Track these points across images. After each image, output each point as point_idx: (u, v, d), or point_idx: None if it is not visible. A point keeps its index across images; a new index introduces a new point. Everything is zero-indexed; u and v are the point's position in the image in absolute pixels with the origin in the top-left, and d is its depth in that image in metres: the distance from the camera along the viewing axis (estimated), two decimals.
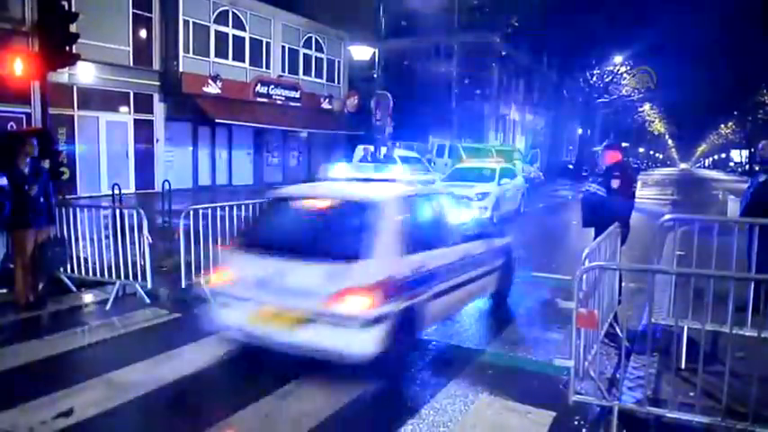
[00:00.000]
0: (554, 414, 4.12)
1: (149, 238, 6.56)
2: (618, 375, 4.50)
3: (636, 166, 40.66)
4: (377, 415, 4.18)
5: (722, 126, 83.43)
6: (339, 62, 29.14)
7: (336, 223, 5.19)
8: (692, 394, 4.04)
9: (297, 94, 25.93)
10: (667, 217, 5.55)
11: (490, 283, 6.55)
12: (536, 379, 4.84)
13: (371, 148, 15.19)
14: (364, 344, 4.32)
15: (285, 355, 4.60)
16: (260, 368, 4.96)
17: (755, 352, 3.69)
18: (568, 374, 3.93)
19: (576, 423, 4.01)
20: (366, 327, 4.30)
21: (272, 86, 24.67)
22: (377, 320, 4.33)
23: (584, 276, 3.90)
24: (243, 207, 7.62)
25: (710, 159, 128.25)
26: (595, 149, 7.97)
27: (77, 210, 7.07)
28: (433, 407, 4.25)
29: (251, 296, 4.66)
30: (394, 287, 4.52)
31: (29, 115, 15.33)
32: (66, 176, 14.73)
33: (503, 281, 6.90)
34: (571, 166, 44.81)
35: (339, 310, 4.30)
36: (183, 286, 6.69)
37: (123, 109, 19.45)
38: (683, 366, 4.60)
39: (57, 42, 7.94)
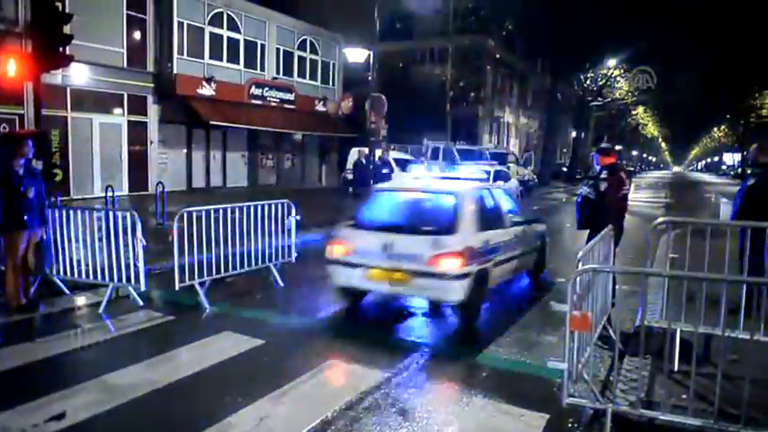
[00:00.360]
0: (547, 416, 4.13)
1: (143, 240, 6.54)
2: (611, 378, 4.51)
3: (632, 169, 40.85)
4: (367, 422, 4.17)
5: (715, 129, 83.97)
6: (334, 64, 29.14)
7: (431, 208, 6.94)
8: (684, 397, 4.06)
9: (291, 97, 25.91)
10: (660, 220, 5.58)
11: (531, 259, 8.14)
12: (529, 381, 4.85)
13: (366, 150, 15.18)
14: (455, 292, 6.01)
15: (284, 355, 4.59)
16: (255, 370, 4.95)
17: (748, 354, 3.71)
18: (562, 377, 3.94)
19: (569, 425, 4.02)
20: (456, 280, 5.95)
21: (267, 88, 24.64)
22: (463, 276, 5.99)
23: (578, 279, 3.91)
24: (237, 210, 7.59)
25: (703, 162, 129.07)
26: (592, 153, 8.21)
27: (70, 211, 7.03)
28: (426, 409, 4.25)
29: (367, 261, 6.31)
30: (472, 254, 6.17)
31: (22, 116, 15.30)
32: (59, 178, 14.70)
33: (539, 258, 8.51)
34: (565, 169, 44.98)
35: (437, 269, 5.93)
36: (177, 288, 6.67)
37: (117, 111, 19.39)
38: (675, 369, 4.62)
39: (50, 44, 7.91)
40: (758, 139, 9.08)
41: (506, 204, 7.88)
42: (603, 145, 7.42)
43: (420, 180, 7.94)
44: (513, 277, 7.84)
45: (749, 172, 7.88)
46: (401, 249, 6.16)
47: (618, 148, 66.68)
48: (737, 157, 77.26)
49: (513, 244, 7.30)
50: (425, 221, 6.67)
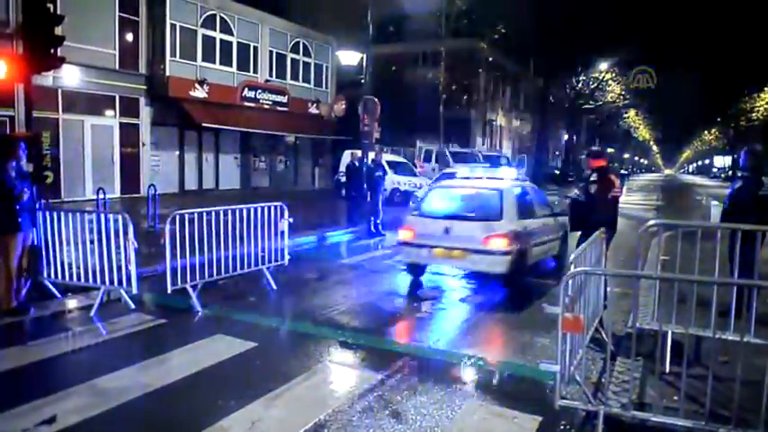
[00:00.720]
0: (540, 419, 4.14)
1: (135, 243, 6.51)
2: (603, 380, 4.53)
3: (625, 172, 41.12)
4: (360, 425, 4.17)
5: (706, 132, 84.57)
6: (327, 67, 29.14)
7: (481, 200, 8.46)
8: (676, 398, 4.08)
9: (284, 99, 25.89)
10: (652, 223, 5.61)
11: (556, 246, 9.57)
12: (522, 383, 4.86)
13: (359, 152, 15.17)
14: (501, 265, 7.61)
15: (277, 357, 4.57)
16: (247, 373, 4.94)
17: (738, 356, 3.73)
18: (554, 379, 3.95)
19: (561, 427, 4.03)
20: (502, 255, 7.55)
21: (260, 91, 24.62)
22: (507, 253, 7.57)
23: (570, 281, 3.93)
24: (230, 212, 7.57)
25: (694, 165, 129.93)
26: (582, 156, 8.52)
27: (61, 214, 6.99)
28: (419, 412, 4.25)
29: (431, 242, 8.04)
30: (514, 236, 7.75)
31: (12, 118, 15.19)
32: (49, 180, 14.60)
33: (562, 246, 9.78)
34: (558, 172, 45.18)
35: (488, 247, 7.57)
36: (169, 291, 6.64)
37: (109, 112, 19.31)
38: (667, 370, 4.64)
39: (42, 45, 7.86)
40: (748, 143, 9.22)
41: (537, 199, 9.60)
42: (594, 148, 7.52)
43: (470, 180, 9.48)
44: (544, 258, 9.37)
45: (738, 175, 7.97)
46: (459, 232, 7.89)
47: (610, 150, 67.15)
48: (728, 159, 77.86)
49: (544, 231, 8.95)
50: (477, 211, 8.28)
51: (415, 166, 24.23)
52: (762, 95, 46.74)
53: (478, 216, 8.12)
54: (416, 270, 8.83)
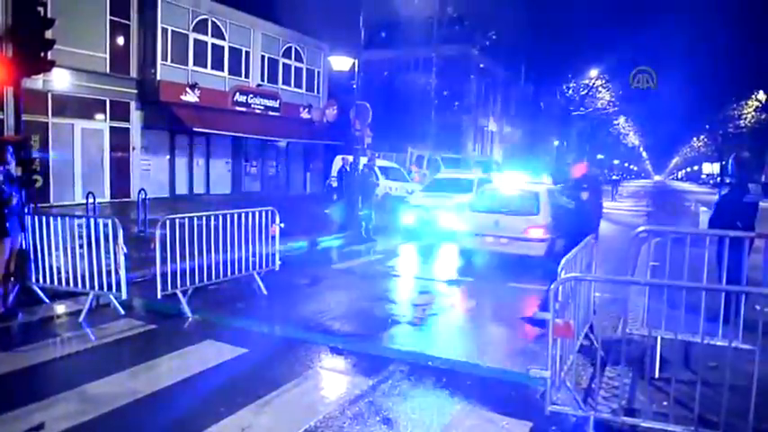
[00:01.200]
0: (530, 424, 4.15)
1: (124, 248, 6.47)
2: (593, 385, 4.55)
3: (618, 178, 41.57)
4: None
5: (694, 139, 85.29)
6: (319, 72, 29.16)
7: (523, 199, 10.53)
8: (665, 403, 4.11)
9: (276, 104, 25.87)
10: (641, 229, 5.65)
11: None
12: (513, 389, 4.87)
13: (350, 158, 15.18)
14: (538, 250, 9.67)
15: (267, 363, 4.56)
16: (237, 379, 4.91)
17: (727, 361, 3.77)
18: (545, 385, 3.96)
19: None
20: (539, 242, 9.69)
21: (251, 96, 24.58)
22: (543, 240, 9.67)
23: (560, 287, 3.95)
24: (220, 217, 7.55)
25: (683, 171, 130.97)
26: (568, 162, 8.77)
27: (50, 219, 6.94)
28: (410, 418, 4.25)
29: (482, 232, 10.19)
30: (547, 228, 9.75)
31: (1, 122, 15.05)
32: (39, 184, 14.47)
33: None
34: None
35: (528, 236, 9.73)
36: (159, 297, 6.60)
37: (99, 116, 19.19)
38: (656, 376, 4.67)
39: (32, 48, 7.81)
40: (735, 150, 9.37)
41: (562, 200, 11.27)
42: (578, 156, 7.63)
43: (514, 183, 11.48)
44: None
45: (726, 182, 8.10)
46: (505, 224, 10.03)
47: (600, 156, 67.54)
48: (716, 166, 78.57)
49: None
50: (519, 207, 10.35)
51: (410, 172, 24.28)
52: (749, 102, 47.29)
53: (520, 212, 10.18)
54: (468, 254, 10.78)
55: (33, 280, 6.96)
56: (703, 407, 3.76)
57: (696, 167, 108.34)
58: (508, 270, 9.65)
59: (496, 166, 31.46)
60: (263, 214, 8.14)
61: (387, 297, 8.35)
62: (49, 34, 8.13)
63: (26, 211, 6.79)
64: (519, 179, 11.72)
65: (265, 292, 7.93)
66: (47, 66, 8.40)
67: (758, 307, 4.29)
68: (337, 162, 20.84)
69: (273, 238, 8.28)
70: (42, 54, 8.05)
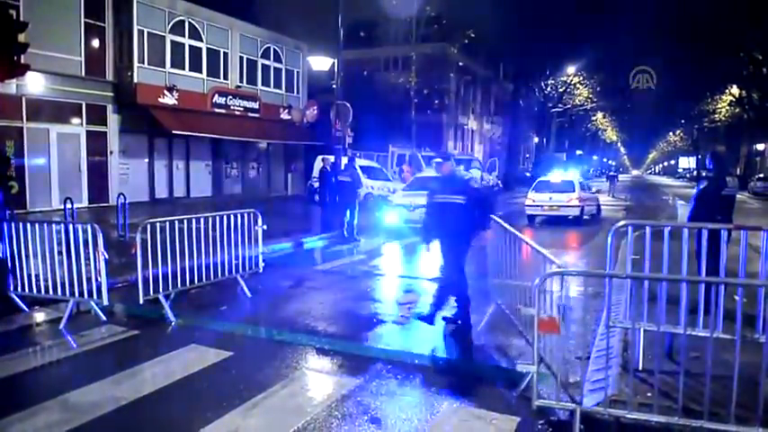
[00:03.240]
0: (518, 419, 4.18)
1: (105, 253, 6.38)
2: (579, 379, 4.60)
3: (614, 174, 42.49)
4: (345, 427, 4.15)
5: (670, 134, 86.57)
6: (298, 72, 29.05)
7: (564, 183, 17.61)
8: (649, 395, 4.17)
9: (255, 105, 25.72)
10: (621, 223, 5.70)
11: (595, 209, 19.08)
12: (500, 385, 4.89)
13: (331, 158, 15.14)
14: (575, 211, 16.93)
15: (253, 366, 4.53)
16: (223, 383, 4.87)
17: (709, 352, 3.83)
18: (531, 380, 3.99)
19: (539, 427, 4.08)
20: (577, 208, 16.93)
21: (230, 97, 24.41)
22: (578, 207, 16.95)
23: (545, 282, 3.98)
24: (202, 220, 7.47)
25: (661, 166, 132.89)
26: (437, 160, 7.42)
27: (27, 225, 6.82)
28: (398, 416, 4.25)
29: (541, 203, 17.21)
30: (580, 199, 17.06)
31: None
32: (14, 191, 14.22)
33: (598, 210, 19.42)
34: (528, 174, 45.75)
35: (569, 204, 16.92)
36: (141, 302, 6.52)
37: (75, 120, 18.91)
38: (640, 368, 4.73)
39: (5, 52, 7.67)
40: (711, 145, 9.51)
41: (587, 185, 19.11)
42: (443, 155, 6.98)
43: (558, 175, 18.61)
44: (589, 212, 18.19)
45: (703, 175, 8.26)
46: (555, 198, 16.85)
47: (579, 152, 68.25)
48: (693, 160, 79.85)
49: (590, 200, 18.47)
50: (563, 188, 17.21)
51: (402, 172, 24.34)
52: (723, 98, 48.08)
53: (564, 191, 17.11)
54: (533, 219, 17.40)
55: (11, 288, 6.84)
56: (687, 397, 3.82)
57: (673, 162, 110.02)
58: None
59: (478, 163, 31.63)
60: (246, 216, 8.08)
61: (371, 296, 8.35)
62: (22, 37, 7.99)
63: (2, 217, 6.65)
64: (560, 175, 18.81)
65: (249, 294, 7.88)
66: (20, 69, 8.26)
67: (737, 297, 4.37)
68: (318, 163, 20.78)
69: (256, 240, 8.22)
70: (15, 58, 7.92)
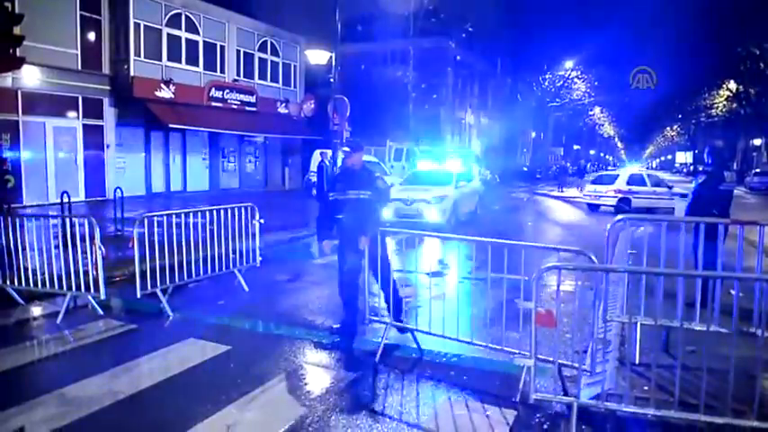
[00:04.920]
0: (515, 412, 4.19)
1: (102, 247, 6.37)
2: (576, 372, 4.61)
3: (612, 169, 42.71)
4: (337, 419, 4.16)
5: (668, 128, 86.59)
6: (295, 66, 28.94)
7: (610, 176, 21.60)
8: (646, 388, 4.19)
9: (252, 99, 25.63)
10: (619, 217, 5.73)
11: (661, 202, 20.09)
12: (497, 378, 4.91)
13: (329, 152, 15.09)
14: (612, 201, 19.78)
15: (251, 360, 4.52)
16: (221, 377, 4.88)
17: (705, 345, 3.84)
18: (529, 373, 4.00)
19: (537, 420, 4.10)
20: (613, 198, 19.88)
21: (227, 91, 24.32)
22: (614, 197, 19.91)
23: (542, 276, 3.99)
24: (199, 214, 7.46)
25: (657, 161, 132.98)
26: (345, 149, 6.05)
27: (24, 219, 6.80)
28: (395, 409, 4.27)
29: (599, 194, 20.56)
30: (621, 192, 19.71)
31: None
32: (11, 185, 14.17)
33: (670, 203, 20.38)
34: (525, 169, 45.77)
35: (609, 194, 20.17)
36: (139, 296, 6.52)
37: (71, 114, 18.82)
38: (637, 362, 4.75)
39: (0, 45, 7.64)
40: (708, 139, 9.52)
41: (653, 177, 21.76)
42: (355, 143, 6.26)
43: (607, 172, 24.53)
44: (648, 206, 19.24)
45: (701, 170, 8.26)
46: (601, 189, 20.46)
47: (576, 147, 68.20)
48: (689, 155, 79.91)
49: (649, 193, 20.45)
50: (608, 181, 20.66)
51: (403, 168, 24.37)
52: (720, 92, 48.05)
53: (611, 182, 20.24)
54: (593, 207, 20.53)
55: (8, 282, 6.82)
56: (683, 390, 3.83)
57: (670, 156, 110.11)
58: (492, 261, 9.61)
59: (477, 159, 31.62)
60: (243, 210, 8.07)
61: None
62: (17, 30, 7.94)
63: None
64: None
65: (247, 288, 7.88)
66: (16, 63, 8.25)
67: (733, 292, 4.38)
68: (316, 157, 20.75)
69: (254, 234, 8.21)
70: (11, 51, 7.89)
